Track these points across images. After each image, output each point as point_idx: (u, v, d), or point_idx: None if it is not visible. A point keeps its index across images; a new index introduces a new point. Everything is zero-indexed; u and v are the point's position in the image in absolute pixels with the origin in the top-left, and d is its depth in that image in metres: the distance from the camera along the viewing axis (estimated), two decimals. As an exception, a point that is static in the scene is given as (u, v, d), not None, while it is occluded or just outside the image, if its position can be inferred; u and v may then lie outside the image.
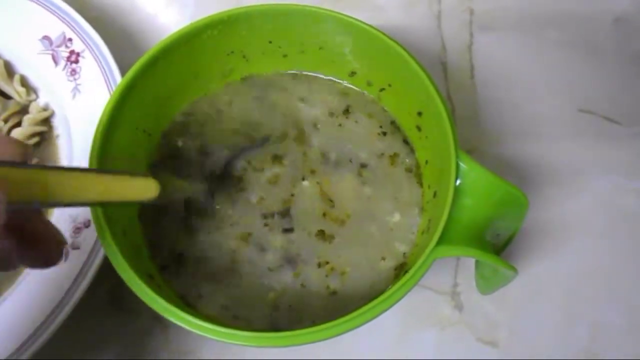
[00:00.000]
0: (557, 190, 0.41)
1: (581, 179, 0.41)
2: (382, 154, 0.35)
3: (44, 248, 0.23)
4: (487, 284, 0.34)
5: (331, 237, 0.33)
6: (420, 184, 0.34)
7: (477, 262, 0.34)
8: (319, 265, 0.32)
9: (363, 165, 0.35)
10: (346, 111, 0.36)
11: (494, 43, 0.46)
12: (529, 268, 0.38)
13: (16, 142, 0.23)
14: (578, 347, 0.36)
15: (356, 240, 0.33)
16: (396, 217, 0.33)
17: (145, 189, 0.28)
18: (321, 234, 0.33)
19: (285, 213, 0.33)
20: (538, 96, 0.44)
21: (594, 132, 0.43)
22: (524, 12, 0.47)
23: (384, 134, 0.35)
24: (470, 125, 0.43)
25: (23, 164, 0.22)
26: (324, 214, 0.33)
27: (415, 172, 0.34)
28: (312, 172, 0.35)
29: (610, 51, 0.46)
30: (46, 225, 0.24)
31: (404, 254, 0.32)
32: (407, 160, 0.35)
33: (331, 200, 0.34)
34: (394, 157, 0.35)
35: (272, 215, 0.33)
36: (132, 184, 0.27)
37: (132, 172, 0.28)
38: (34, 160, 0.38)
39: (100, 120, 0.30)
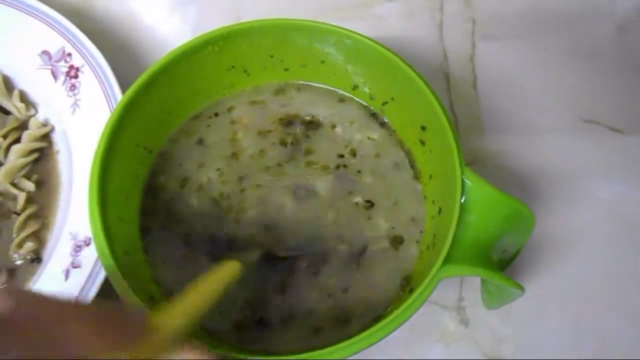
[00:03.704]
0: (561, 201, 0.40)
1: (585, 189, 0.41)
2: None
3: None
4: (493, 299, 0.33)
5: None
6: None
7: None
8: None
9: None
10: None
11: (496, 52, 0.45)
12: (535, 281, 0.37)
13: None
14: (586, 362, 0.36)
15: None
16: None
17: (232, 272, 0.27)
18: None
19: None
20: (541, 106, 0.43)
21: (598, 142, 0.42)
22: (527, 21, 0.46)
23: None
24: (473, 136, 0.42)
25: None
26: None
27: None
28: None
29: (613, 59, 0.45)
30: None
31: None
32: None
33: None
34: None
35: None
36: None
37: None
38: (33, 178, 0.38)
39: (101, 139, 0.30)
